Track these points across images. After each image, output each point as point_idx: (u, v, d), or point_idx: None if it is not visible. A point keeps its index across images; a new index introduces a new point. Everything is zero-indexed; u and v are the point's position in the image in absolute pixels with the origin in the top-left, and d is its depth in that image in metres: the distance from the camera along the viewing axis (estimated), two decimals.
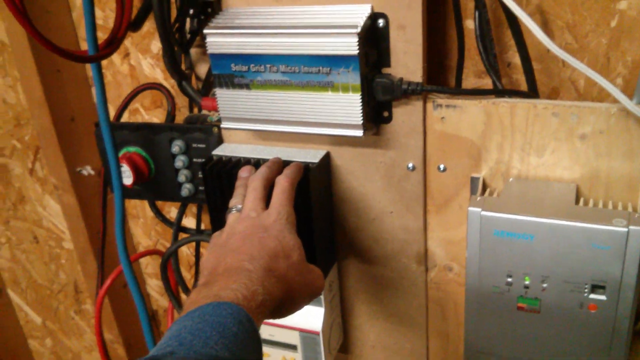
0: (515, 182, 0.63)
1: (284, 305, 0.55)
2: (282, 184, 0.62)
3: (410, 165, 0.68)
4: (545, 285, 0.58)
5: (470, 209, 0.59)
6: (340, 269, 0.77)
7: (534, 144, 0.62)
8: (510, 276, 0.59)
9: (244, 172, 0.66)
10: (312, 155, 0.69)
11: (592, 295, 0.56)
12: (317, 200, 0.68)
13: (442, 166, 0.67)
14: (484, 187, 0.66)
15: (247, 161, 0.70)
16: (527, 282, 0.59)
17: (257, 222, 0.59)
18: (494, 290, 0.60)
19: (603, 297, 0.56)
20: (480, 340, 0.65)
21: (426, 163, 0.68)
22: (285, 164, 0.67)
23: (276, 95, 0.64)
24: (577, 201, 0.59)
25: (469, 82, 0.72)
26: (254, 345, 0.48)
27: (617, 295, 0.55)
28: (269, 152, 0.71)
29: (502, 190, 0.63)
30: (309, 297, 0.59)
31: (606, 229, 0.54)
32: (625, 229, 0.53)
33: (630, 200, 0.59)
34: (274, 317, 0.55)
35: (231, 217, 0.62)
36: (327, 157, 0.70)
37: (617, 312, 0.56)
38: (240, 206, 0.62)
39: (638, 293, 0.61)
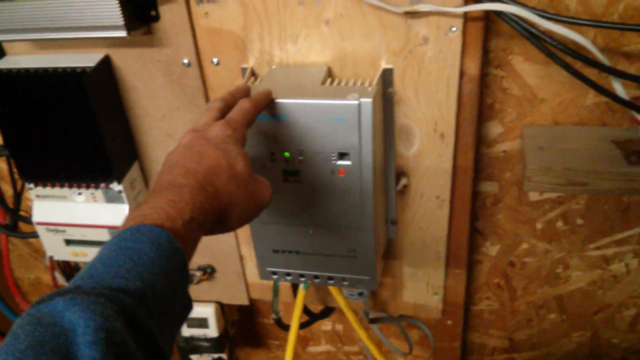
0: (276, 69, 0.69)
1: (223, 220, 0.52)
2: (243, 104, 0.59)
3: (186, 61, 0.72)
4: (301, 157, 0.65)
5: None
6: (142, 166, 0.82)
7: (288, 32, 0.68)
8: (273, 153, 0.66)
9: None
10: (89, 59, 0.71)
11: (339, 162, 0.65)
12: (99, 105, 0.71)
13: (215, 60, 0.72)
14: (255, 76, 0.71)
15: (27, 71, 0.70)
16: (287, 156, 0.66)
17: (200, 134, 0.55)
18: (263, 167, 0.68)
19: (348, 162, 0.65)
20: None
21: (200, 58, 0.72)
22: (97, 73, 0.67)
23: (38, 3, 0.65)
24: (324, 81, 0.66)
25: None
26: (174, 267, 0.45)
27: (359, 159, 0.64)
28: (50, 60, 0.72)
29: (262, 77, 0.69)
30: (254, 209, 0.56)
31: (341, 103, 0.61)
32: (356, 102, 0.61)
33: (371, 76, 0.67)
34: (213, 233, 0.53)
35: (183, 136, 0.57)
36: (106, 60, 0.72)
37: (361, 174, 0.65)
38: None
39: (381, 157, 0.71)
